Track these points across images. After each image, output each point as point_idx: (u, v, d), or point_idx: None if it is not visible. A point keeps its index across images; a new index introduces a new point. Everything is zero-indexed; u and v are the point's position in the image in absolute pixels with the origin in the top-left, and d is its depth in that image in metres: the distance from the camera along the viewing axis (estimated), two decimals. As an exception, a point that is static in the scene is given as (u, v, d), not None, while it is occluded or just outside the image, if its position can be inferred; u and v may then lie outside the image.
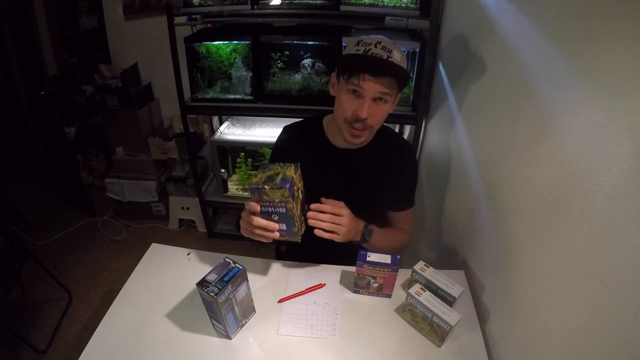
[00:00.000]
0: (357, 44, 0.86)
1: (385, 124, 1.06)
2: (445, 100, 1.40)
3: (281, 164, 0.82)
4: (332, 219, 0.86)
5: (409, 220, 1.12)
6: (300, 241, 0.85)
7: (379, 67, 0.82)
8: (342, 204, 0.91)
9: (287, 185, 0.73)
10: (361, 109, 0.86)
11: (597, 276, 0.53)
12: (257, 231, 0.83)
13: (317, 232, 0.86)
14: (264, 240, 0.85)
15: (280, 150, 1.12)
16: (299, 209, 0.80)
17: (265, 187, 0.75)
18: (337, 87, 0.92)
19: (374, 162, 1.03)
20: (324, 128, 1.06)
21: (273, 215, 0.80)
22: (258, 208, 0.80)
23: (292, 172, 0.78)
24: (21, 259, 1.61)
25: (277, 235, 0.82)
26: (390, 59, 0.83)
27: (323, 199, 0.89)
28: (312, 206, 0.86)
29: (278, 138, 1.12)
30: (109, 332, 0.87)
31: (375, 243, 0.99)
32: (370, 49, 0.83)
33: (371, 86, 0.84)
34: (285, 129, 1.12)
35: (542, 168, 0.70)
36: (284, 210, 0.78)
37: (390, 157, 1.04)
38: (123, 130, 2.35)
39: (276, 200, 0.76)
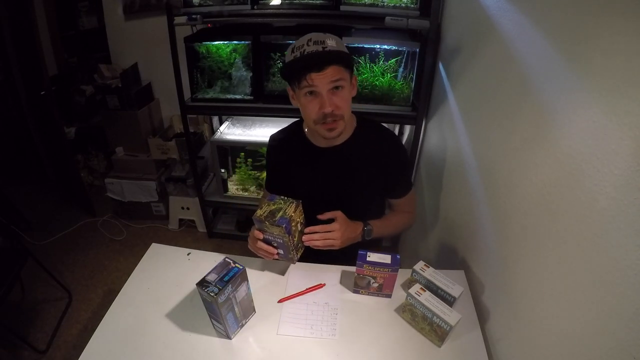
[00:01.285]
0: (292, 51, 0.89)
1: (365, 117, 1.09)
2: (445, 100, 1.40)
3: (285, 198, 0.91)
4: (323, 236, 0.94)
5: (410, 202, 1.15)
6: (295, 264, 0.97)
7: (318, 61, 0.85)
8: (338, 213, 0.97)
9: (284, 225, 0.84)
10: (324, 105, 0.89)
11: (597, 276, 0.53)
12: (260, 252, 0.94)
13: (314, 246, 0.95)
14: (265, 258, 0.96)
15: (270, 162, 1.17)
16: (295, 239, 0.91)
17: (267, 222, 0.86)
18: (295, 97, 0.95)
19: (358, 156, 1.04)
20: (304, 132, 1.08)
21: (273, 242, 0.92)
22: (261, 236, 0.91)
23: (292, 210, 0.88)
24: (21, 259, 1.61)
25: (276, 257, 0.94)
26: (326, 49, 0.85)
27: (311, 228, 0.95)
28: (306, 230, 0.95)
29: (266, 150, 1.17)
30: (109, 332, 0.87)
31: (378, 236, 1.04)
32: (304, 50, 0.86)
33: (321, 80, 0.86)
34: (271, 139, 1.16)
35: (542, 168, 0.70)
36: (281, 241, 0.89)
37: (373, 148, 1.04)
38: (123, 130, 2.35)
39: (275, 233, 0.88)
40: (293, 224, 0.88)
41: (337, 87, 0.89)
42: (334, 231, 0.94)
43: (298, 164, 1.09)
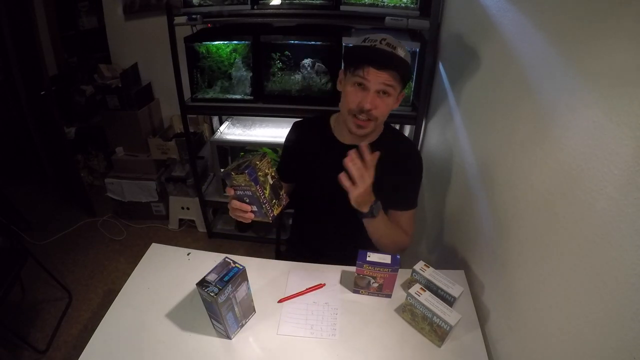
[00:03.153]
0: (364, 40, 0.91)
1: (392, 126, 1.10)
2: (445, 100, 1.40)
3: (254, 153, 0.89)
4: (361, 171, 0.86)
5: (410, 222, 1.10)
6: (270, 222, 0.90)
7: (383, 60, 0.87)
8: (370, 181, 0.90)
9: (247, 171, 0.81)
10: (365, 101, 0.90)
11: (597, 276, 0.53)
12: (236, 212, 0.89)
13: (342, 175, 0.88)
14: (244, 220, 0.91)
15: (289, 147, 1.16)
16: (266, 193, 0.87)
17: (232, 173, 0.84)
18: (343, 82, 0.96)
19: (379, 159, 1.03)
20: (330, 125, 1.09)
21: (245, 198, 0.88)
22: (232, 192, 0.88)
23: (257, 160, 0.85)
24: (21, 259, 1.60)
25: (251, 215, 0.89)
26: (394, 55, 0.87)
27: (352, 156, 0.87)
28: (352, 151, 0.87)
29: (287, 135, 1.17)
30: (109, 332, 0.87)
31: (378, 225, 0.98)
32: (375, 45, 0.88)
33: (375, 78, 0.88)
34: (294, 125, 1.16)
35: (542, 168, 0.70)
36: (250, 194, 0.85)
37: (396, 156, 1.04)
38: (123, 130, 2.35)
39: (242, 185, 0.84)
40: (260, 173, 0.84)
41: (385, 92, 0.90)
42: (367, 180, 0.87)
43: (316, 154, 1.09)
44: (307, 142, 1.11)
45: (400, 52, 0.88)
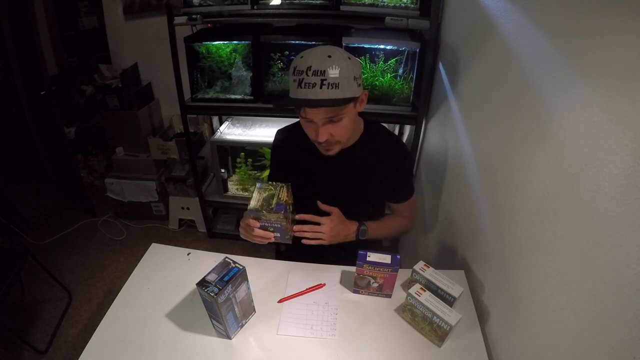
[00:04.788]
0: (294, 72, 0.84)
1: (372, 121, 1.09)
2: (445, 100, 1.40)
3: (274, 183, 0.92)
4: (312, 227, 0.95)
5: (410, 207, 1.15)
6: (291, 243, 0.96)
7: (311, 103, 0.84)
8: (335, 209, 0.98)
9: (282, 211, 0.85)
10: (317, 135, 0.90)
11: (597, 276, 0.53)
12: (256, 239, 0.94)
13: (304, 241, 0.95)
14: (261, 243, 0.96)
15: (275, 155, 1.18)
16: (290, 220, 0.93)
17: (264, 211, 0.87)
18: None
19: (363, 160, 1.04)
20: None
21: (269, 228, 0.92)
22: (257, 225, 0.91)
23: (284, 194, 0.89)
24: (21, 259, 1.61)
25: (272, 240, 0.94)
26: (324, 83, 0.80)
27: (302, 215, 0.95)
28: (297, 217, 0.94)
29: (272, 143, 1.17)
30: (109, 332, 0.87)
31: (374, 237, 1.05)
32: (303, 79, 0.82)
33: (315, 115, 0.87)
34: (278, 132, 1.17)
35: (542, 168, 0.70)
36: (279, 226, 0.90)
37: (379, 153, 1.05)
38: (123, 130, 2.35)
39: (272, 220, 0.89)
40: (287, 208, 0.88)
41: (333, 120, 0.88)
42: (323, 225, 0.95)
43: (300, 160, 1.09)
44: (290, 148, 1.12)
45: (332, 73, 0.80)
